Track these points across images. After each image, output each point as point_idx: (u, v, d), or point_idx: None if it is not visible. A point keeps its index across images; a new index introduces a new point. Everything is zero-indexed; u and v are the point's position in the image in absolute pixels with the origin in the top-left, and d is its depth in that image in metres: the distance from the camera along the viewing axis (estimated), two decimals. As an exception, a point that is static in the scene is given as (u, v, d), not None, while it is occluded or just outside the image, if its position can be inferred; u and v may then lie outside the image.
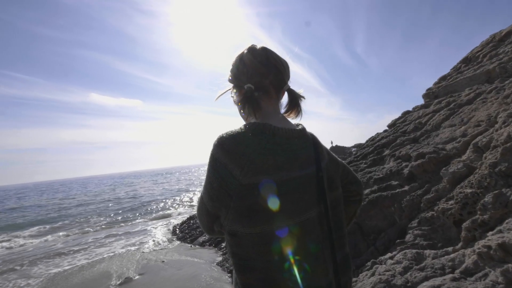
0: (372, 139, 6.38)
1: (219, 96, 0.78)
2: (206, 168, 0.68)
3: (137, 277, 4.84)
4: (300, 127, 0.76)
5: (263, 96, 0.74)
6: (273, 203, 0.62)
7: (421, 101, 6.59)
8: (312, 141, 0.75)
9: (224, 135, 0.66)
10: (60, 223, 12.79)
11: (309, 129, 0.79)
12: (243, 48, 0.76)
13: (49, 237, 9.87)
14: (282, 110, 0.80)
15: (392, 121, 6.56)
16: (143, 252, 6.45)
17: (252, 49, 0.74)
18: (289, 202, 0.64)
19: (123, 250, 6.84)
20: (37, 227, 12.03)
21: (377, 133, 6.59)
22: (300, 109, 0.80)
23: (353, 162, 5.25)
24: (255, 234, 0.62)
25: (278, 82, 0.76)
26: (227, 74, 0.78)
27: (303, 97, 0.81)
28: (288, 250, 0.63)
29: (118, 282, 4.66)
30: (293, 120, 0.80)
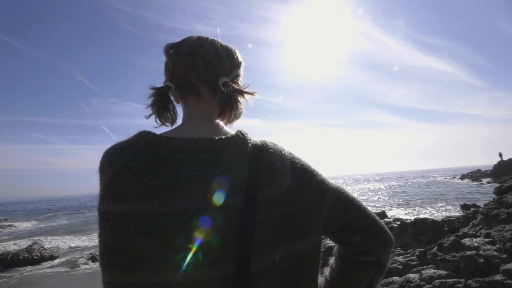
0: None
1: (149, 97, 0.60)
2: None
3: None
4: (233, 134, 0.52)
5: (188, 96, 0.56)
6: (136, 246, 0.42)
7: None
8: (250, 155, 0.49)
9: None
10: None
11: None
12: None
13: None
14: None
15: None
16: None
17: (179, 42, 0.58)
18: (166, 248, 0.42)
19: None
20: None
21: None
22: (234, 110, 0.58)
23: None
24: (106, 284, 0.45)
25: (209, 76, 0.55)
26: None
27: (249, 93, 0.58)
28: None
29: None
30: (234, 126, 0.60)
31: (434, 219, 6.03)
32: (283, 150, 0.52)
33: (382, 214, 10.26)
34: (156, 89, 0.55)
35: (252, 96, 0.58)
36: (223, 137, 0.49)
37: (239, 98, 0.58)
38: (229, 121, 0.60)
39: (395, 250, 5.40)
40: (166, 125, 0.56)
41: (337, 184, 0.56)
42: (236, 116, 0.60)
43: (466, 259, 3.07)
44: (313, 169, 0.53)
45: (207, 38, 0.57)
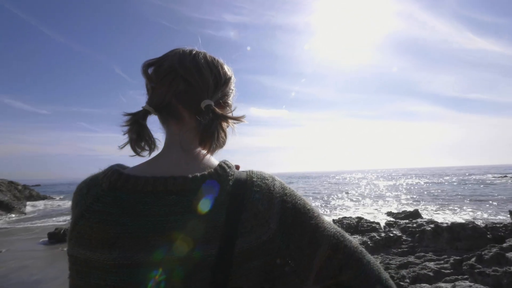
0: None
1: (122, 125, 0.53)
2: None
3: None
4: (212, 169, 0.44)
5: (169, 121, 0.50)
6: None
7: None
8: (230, 196, 0.42)
9: None
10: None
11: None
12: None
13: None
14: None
15: None
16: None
17: (158, 58, 0.51)
18: None
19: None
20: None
21: None
22: (214, 141, 0.47)
23: None
24: None
25: (190, 98, 0.48)
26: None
27: (235, 119, 0.50)
28: None
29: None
30: (217, 156, 0.52)
31: (476, 224, 5.47)
32: (273, 185, 0.44)
33: (416, 214, 9.58)
34: (131, 115, 0.49)
35: (238, 121, 0.51)
36: (199, 174, 0.42)
37: (223, 123, 0.50)
38: (210, 151, 0.51)
39: (427, 254, 5.04)
40: (142, 156, 0.50)
41: (336, 229, 0.47)
42: (217, 147, 0.52)
43: (510, 276, 2.75)
44: (307, 210, 0.45)
45: (190, 53, 0.50)
